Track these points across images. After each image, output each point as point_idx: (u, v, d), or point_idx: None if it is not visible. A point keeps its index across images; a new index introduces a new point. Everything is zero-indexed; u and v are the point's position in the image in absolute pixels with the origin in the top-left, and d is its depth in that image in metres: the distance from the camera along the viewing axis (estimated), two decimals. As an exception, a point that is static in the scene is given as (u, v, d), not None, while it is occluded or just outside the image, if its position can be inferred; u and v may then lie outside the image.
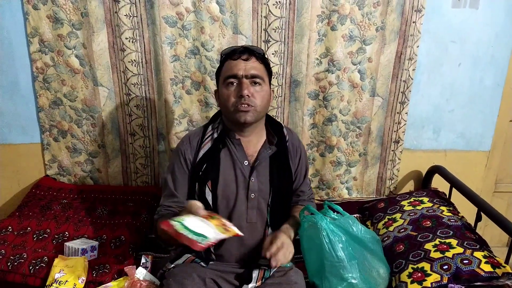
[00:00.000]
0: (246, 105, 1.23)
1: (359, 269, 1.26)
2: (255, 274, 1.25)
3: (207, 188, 1.27)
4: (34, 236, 1.60)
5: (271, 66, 1.79)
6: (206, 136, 1.33)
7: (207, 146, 1.31)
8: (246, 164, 1.31)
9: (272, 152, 1.33)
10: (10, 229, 1.62)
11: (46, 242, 1.58)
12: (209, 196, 1.27)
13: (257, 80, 1.26)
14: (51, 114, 1.92)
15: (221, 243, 1.27)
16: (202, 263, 1.29)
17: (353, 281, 1.24)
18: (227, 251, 1.31)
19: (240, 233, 1.10)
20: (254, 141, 1.34)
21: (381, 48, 1.83)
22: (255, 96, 1.25)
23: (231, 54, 1.28)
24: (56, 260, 1.41)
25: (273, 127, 1.39)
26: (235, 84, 1.25)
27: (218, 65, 1.34)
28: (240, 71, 1.24)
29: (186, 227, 0.96)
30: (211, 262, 1.31)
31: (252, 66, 1.25)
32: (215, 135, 1.33)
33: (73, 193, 1.92)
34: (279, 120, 1.89)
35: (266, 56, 1.35)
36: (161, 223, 1.00)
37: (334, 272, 1.25)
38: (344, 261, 1.23)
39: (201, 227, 0.99)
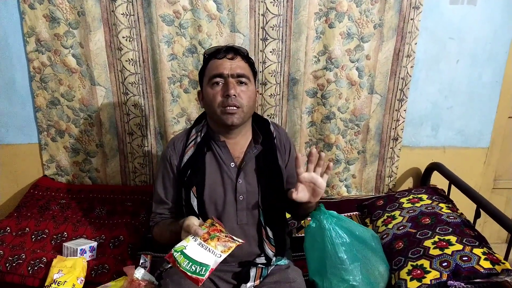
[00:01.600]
0: (233, 107, 1.21)
1: (361, 271, 1.26)
2: (252, 272, 1.24)
3: (192, 193, 1.26)
4: (33, 236, 1.59)
5: (269, 64, 1.80)
6: (190, 141, 1.30)
7: (190, 151, 1.29)
8: (233, 166, 1.28)
9: (258, 152, 1.30)
10: (8, 229, 1.61)
11: (44, 243, 1.57)
12: (194, 202, 1.25)
13: (243, 79, 1.23)
14: (49, 114, 1.91)
15: None
16: None
17: (355, 283, 1.24)
18: None
19: (241, 241, 1.10)
20: (241, 142, 1.31)
21: (379, 45, 1.83)
22: (241, 96, 1.22)
23: (215, 53, 1.24)
24: (55, 261, 1.41)
25: (260, 125, 1.36)
26: (220, 84, 1.23)
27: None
28: (226, 70, 1.21)
29: (187, 256, 1.02)
30: None
31: (238, 65, 1.23)
32: (198, 139, 1.30)
33: (71, 193, 1.91)
34: (278, 118, 1.89)
35: (250, 55, 1.32)
36: (165, 256, 1.04)
37: (335, 273, 1.25)
38: (346, 263, 1.23)
39: (201, 254, 1.03)
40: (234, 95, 1.20)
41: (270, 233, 1.30)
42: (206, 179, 1.27)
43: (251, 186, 1.29)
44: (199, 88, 1.34)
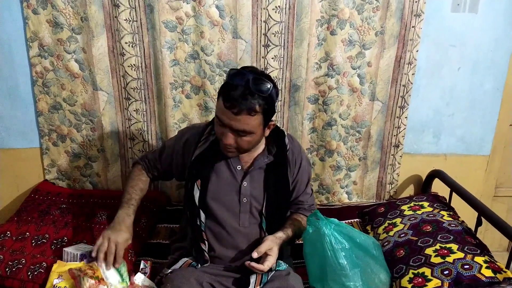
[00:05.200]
0: (230, 151, 1.23)
1: (362, 277, 1.26)
2: (252, 279, 1.25)
3: (195, 186, 1.29)
4: (33, 241, 1.59)
5: (271, 71, 1.80)
6: (204, 137, 1.34)
7: (203, 146, 1.32)
8: (239, 168, 1.31)
9: (269, 161, 1.32)
10: (8, 234, 1.61)
11: (44, 248, 1.57)
12: (196, 194, 1.29)
13: (244, 134, 1.18)
14: (51, 119, 1.91)
15: (214, 246, 1.32)
16: (198, 266, 1.30)
17: None
18: (221, 254, 1.32)
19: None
20: (250, 152, 1.32)
21: (380, 52, 1.84)
22: (240, 143, 1.20)
23: (224, 97, 1.14)
24: (55, 266, 1.39)
25: (275, 136, 1.36)
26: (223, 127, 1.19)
27: (222, 78, 1.28)
28: (226, 121, 1.15)
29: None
30: (206, 264, 1.31)
31: (242, 122, 1.14)
32: (211, 138, 1.32)
33: (72, 197, 1.91)
34: (279, 124, 1.90)
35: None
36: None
37: (336, 279, 1.25)
38: (346, 269, 1.23)
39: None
40: (230, 144, 1.19)
41: None
42: (212, 175, 1.30)
43: (256, 191, 1.31)
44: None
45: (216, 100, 1.79)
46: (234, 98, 1.12)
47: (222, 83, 1.23)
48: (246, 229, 1.32)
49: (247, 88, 1.12)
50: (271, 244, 1.24)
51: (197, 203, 1.29)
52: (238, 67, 1.78)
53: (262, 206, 1.32)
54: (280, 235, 1.30)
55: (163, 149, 1.44)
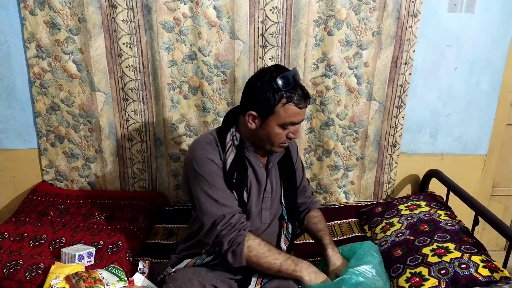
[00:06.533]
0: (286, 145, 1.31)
1: None
2: (254, 278, 1.27)
3: (244, 194, 1.28)
4: (31, 242, 1.59)
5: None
6: (228, 145, 1.28)
7: (233, 153, 1.27)
8: (261, 167, 1.34)
9: (280, 156, 1.37)
10: (6, 235, 1.61)
11: (42, 248, 1.57)
12: (249, 202, 1.30)
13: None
14: (48, 119, 1.91)
15: None
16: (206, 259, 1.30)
17: None
18: None
19: None
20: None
21: (377, 52, 1.84)
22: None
23: (296, 101, 1.20)
24: (53, 267, 1.40)
25: None
26: (290, 127, 1.24)
27: (269, 92, 1.18)
28: (300, 118, 1.25)
29: None
30: (215, 262, 1.29)
31: (304, 113, 1.28)
32: (236, 142, 1.29)
33: (70, 198, 1.91)
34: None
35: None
36: None
37: None
38: None
39: None
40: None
41: (290, 228, 1.37)
42: (250, 180, 1.32)
43: (274, 186, 1.36)
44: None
45: (214, 101, 1.85)
46: (305, 95, 1.22)
47: (271, 91, 1.19)
48: (266, 225, 1.34)
49: (305, 88, 1.24)
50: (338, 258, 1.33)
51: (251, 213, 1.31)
52: (236, 68, 1.81)
53: (280, 198, 1.37)
54: (332, 246, 1.36)
55: (218, 188, 1.24)
